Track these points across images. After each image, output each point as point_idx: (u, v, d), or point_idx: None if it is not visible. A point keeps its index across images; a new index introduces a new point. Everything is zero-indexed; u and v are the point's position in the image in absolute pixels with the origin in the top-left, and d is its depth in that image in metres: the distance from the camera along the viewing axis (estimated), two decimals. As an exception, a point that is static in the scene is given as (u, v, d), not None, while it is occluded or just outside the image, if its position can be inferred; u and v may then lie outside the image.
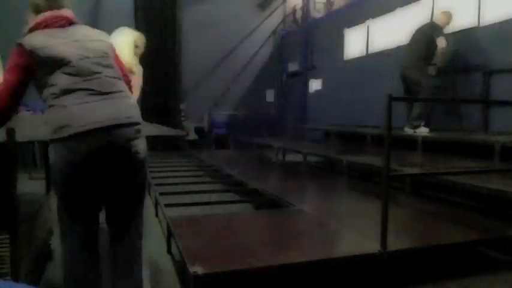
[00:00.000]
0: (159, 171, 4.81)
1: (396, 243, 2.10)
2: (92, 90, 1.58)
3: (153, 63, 8.08)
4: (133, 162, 1.62)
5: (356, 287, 2.20)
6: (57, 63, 1.56)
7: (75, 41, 1.64)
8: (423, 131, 4.52)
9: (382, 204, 2.02)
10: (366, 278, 2.11)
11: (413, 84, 4.69)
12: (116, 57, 1.80)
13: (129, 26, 9.32)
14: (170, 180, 4.26)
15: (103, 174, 1.58)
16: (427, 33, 4.61)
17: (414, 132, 4.53)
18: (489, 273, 2.34)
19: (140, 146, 1.65)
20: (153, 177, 4.25)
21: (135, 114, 1.67)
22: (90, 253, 1.65)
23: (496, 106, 4.40)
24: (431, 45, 4.56)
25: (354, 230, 2.52)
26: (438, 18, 4.73)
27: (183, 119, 8.47)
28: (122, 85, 1.71)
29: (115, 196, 1.67)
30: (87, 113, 1.53)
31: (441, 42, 4.48)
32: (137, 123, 1.65)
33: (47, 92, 1.58)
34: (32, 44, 1.56)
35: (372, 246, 2.07)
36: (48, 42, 1.58)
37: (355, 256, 2.05)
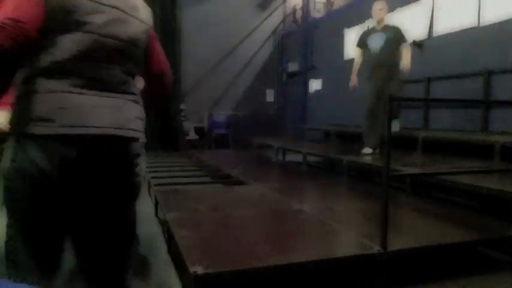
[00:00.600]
0: (158, 171, 4.81)
1: (396, 243, 2.10)
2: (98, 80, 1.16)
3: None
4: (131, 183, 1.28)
5: (356, 287, 2.20)
6: (68, 23, 1.10)
7: (114, 8, 1.19)
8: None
9: (382, 204, 2.02)
10: (366, 278, 2.11)
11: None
12: (153, 45, 1.40)
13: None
14: (169, 180, 4.27)
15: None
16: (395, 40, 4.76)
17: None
18: (489, 273, 2.34)
19: (141, 165, 1.30)
20: (152, 177, 4.25)
21: (141, 126, 1.28)
22: None
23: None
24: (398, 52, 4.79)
25: (354, 230, 2.51)
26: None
27: (183, 119, 8.48)
28: (135, 86, 1.32)
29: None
30: (80, 109, 1.10)
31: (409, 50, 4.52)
32: (137, 139, 1.26)
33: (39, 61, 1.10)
34: None
35: (372, 246, 2.07)
36: None
37: (355, 256, 2.05)
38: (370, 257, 2.01)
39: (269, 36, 10.04)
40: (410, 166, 3.44)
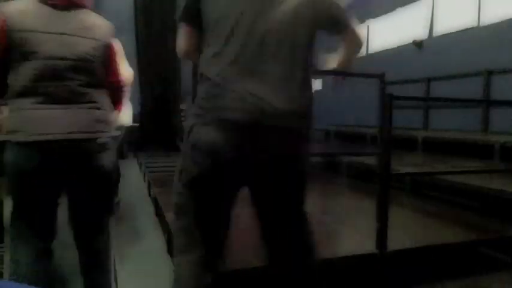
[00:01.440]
0: (158, 172, 4.81)
1: (396, 243, 2.10)
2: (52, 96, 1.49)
3: (153, 64, 8.10)
4: (92, 176, 1.61)
5: (356, 287, 2.20)
6: (23, 55, 1.46)
7: (61, 34, 1.50)
8: None
9: (382, 204, 2.02)
10: (366, 278, 2.11)
11: None
12: (112, 55, 1.70)
13: (129, 26, 9.31)
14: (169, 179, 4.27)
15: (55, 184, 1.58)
16: None
17: None
18: (489, 273, 2.34)
19: (103, 160, 1.60)
20: (152, 178, 4.25)
21: (101, 127, 1.59)
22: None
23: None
24: None
25: (354, 229, 2.51)
26: None
27: (183, 119, 8.48)
28: (97, 95, 1.61)
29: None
30: (40, 121, 1.46)
31: None
32: (96, 139, 1.57)
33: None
34: (8, 13, 1.44)
35: (372, 246, 2.07)
36: (29, 23, 1.45)
37: (354, 256, 2.05)
38: (370, 257, 2.01)
39: (269, 36, 10.03)
40: (411, 166, 3.44)
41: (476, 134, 4.31)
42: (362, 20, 6.84)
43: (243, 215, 2.83)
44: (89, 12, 1.62)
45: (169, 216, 2.68)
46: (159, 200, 3.24)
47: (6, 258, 1.74)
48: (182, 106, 8.45)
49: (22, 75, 1.45)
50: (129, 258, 2.62)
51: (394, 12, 6.01)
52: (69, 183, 1.59)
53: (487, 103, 4.60)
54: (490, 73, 4.43)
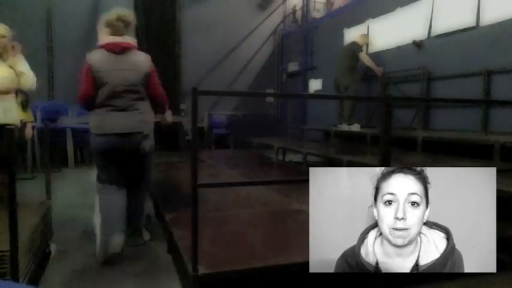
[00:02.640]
0: (158, 172, 4.81)
1: (396, 243, 2.09)
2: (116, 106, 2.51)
3: (153, 64, 8.11)
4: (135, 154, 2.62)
5: (356, 287, 2.20)
6: (101, 84, 2.48)
7: (120, 70, 2.49)
8: (355, 127, 5.80)
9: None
10: (366, 278, 2.11)
11: (344, 89, 5.93)
12: (151, 79, 2.65)
13: (129, 26, 9.09)
14: (170, 179, 4.27)
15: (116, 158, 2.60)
16: (350, 50, 6.01)
17: (349, 128, 5.85)
18: (489, 273, 2.33)
19: (144, 144, 2.62)
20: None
21: (141, 126, 2.57)
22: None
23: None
24: (353, 59, 5.94)
25: (354, 230, 2.51)
26: (358, 39, 6.14)
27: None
28: (140, 104, 2.59)
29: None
30: (109, 121, 2.50)
31: (364, 58, 5.93)
32: (140, 132, 2.57)
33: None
34: (92, 61, 2.49)
35: (372, 246, 2.06)
36: (102, 66, 2.48)
37: (355, 256, 2.04)
38: (370, 257, 2.01)
39: (269, 36, 10.04)
40: (410, 166, 3.44)
41: (476, 134, 4.31)
42: (362, 20, 6.84)
43: (243, 215, 2.84)
44: (135, 52, 2.58)
45: (169, 215, 2.69)
46: (159, 200, 3.24)
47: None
48: (182, 106, 8.45)
49: (100, 95, 2.48)
50: (129, 258, 2.62)
51: (394, 12, 6.01)
52: (125, 157, 2.58)
53: (487, 103, 4.60)
54: (490, 73, 4.44)
